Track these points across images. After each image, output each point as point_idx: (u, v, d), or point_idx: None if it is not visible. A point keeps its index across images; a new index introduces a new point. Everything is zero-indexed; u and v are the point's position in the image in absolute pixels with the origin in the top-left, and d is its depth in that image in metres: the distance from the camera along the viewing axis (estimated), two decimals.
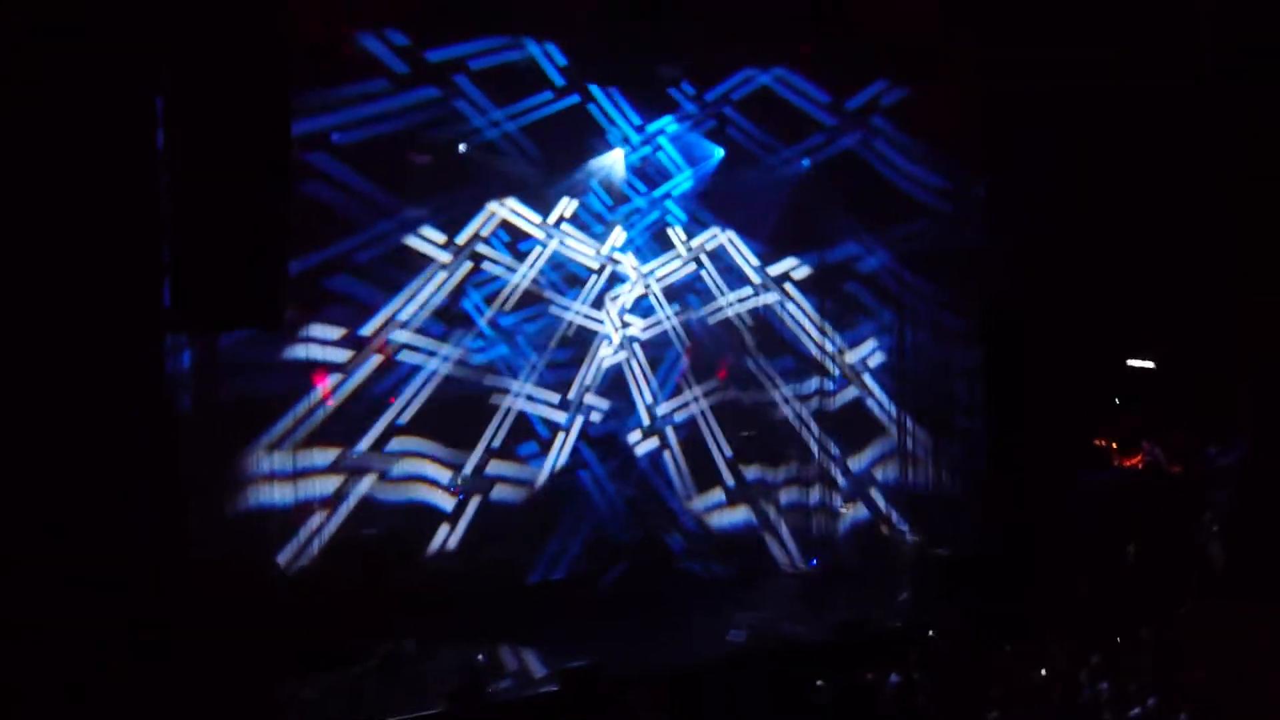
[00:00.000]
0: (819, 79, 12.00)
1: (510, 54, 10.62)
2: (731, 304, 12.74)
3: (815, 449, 12.90)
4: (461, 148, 11.00)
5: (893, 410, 13.03)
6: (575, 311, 12.00)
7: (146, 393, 8.06)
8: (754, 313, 12.88)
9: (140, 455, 7.91)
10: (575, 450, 11.92)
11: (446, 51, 10.34)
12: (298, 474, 10.02)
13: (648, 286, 12.46)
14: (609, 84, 11.42)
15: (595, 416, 12.11)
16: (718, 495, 12.57)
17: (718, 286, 12.71)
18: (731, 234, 12.71)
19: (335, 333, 10.47)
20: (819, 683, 7.92)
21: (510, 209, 11.55)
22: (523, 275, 11.62)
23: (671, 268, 12.61)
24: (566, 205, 11.86)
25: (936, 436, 12.91)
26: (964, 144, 12.36)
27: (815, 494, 12.90)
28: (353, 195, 10.30)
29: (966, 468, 12.75)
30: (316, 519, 10.08)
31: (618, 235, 12.26)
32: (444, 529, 10.98)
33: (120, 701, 7.33)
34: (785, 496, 12.83)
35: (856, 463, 13.05)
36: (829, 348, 12.99)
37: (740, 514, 12.58)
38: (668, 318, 12.53)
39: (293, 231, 8.36)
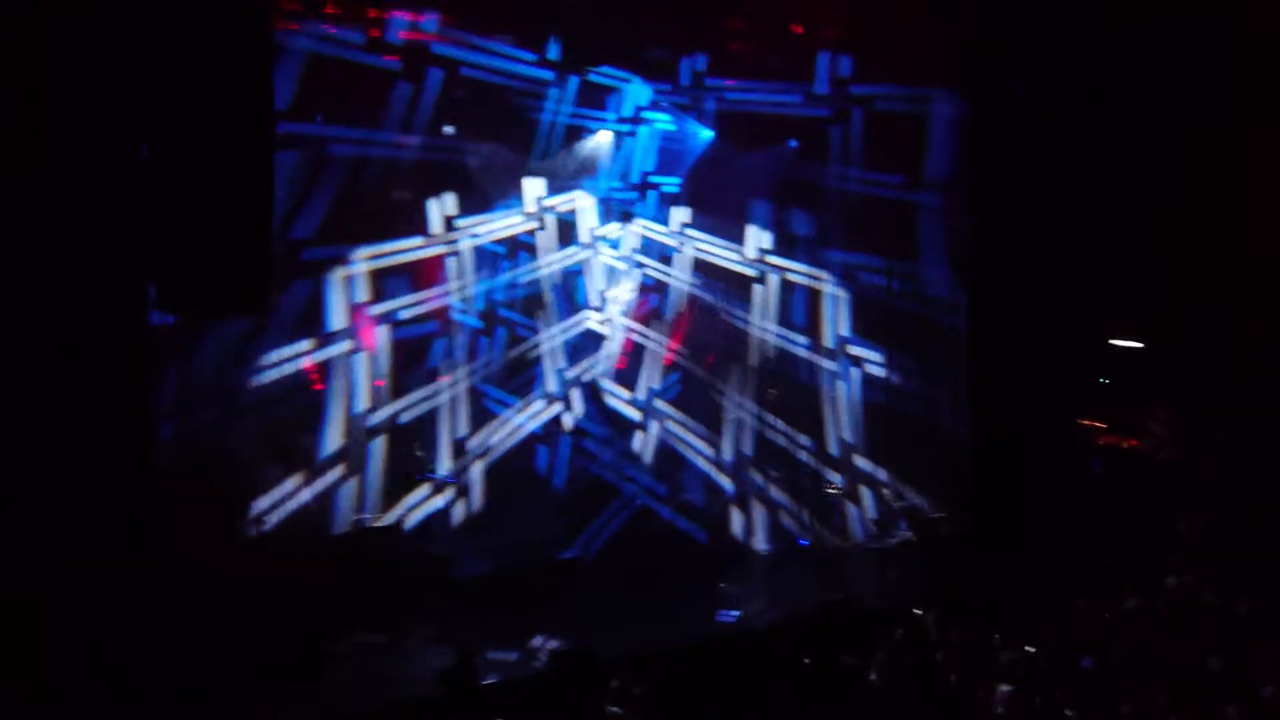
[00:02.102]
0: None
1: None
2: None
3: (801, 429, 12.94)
4: (448, 129, 10.96)
5: (879, 388, 13.10)
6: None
7: (130, 380, 8.01)
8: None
9: (124, 444, 7.87)
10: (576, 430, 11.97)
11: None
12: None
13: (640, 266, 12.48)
14: (598, 67, 11.41)
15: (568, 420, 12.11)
16: (706, 468, 12.64)
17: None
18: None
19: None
20: (806, 662, 7.98)
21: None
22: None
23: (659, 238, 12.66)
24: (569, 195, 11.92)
25: (924, 415, 12.98)
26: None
27: (804, 474, 12.96)
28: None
29: (954, 447, 12.82)
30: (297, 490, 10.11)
31: (609, 224, 12.28)
32: (430, 511, 11.00)
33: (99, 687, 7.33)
34: (777, 473, 12.89)
35: (842, 441, 13.12)
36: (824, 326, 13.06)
37: (729, 487, 12.64)
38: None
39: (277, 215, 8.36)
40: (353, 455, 10.57)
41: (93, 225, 7.67)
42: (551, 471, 11.87)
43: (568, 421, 11.98)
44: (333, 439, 10.51)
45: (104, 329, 7.75)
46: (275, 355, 10.15)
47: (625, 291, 12.42)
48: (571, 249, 12.12)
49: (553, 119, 11.48)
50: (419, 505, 10.91)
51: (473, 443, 11.34)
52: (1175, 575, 9.05)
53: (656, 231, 12.59)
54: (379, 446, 10.78)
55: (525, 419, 11.70)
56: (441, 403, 11.17)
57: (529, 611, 9.95)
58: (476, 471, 11.35)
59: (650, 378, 12.51)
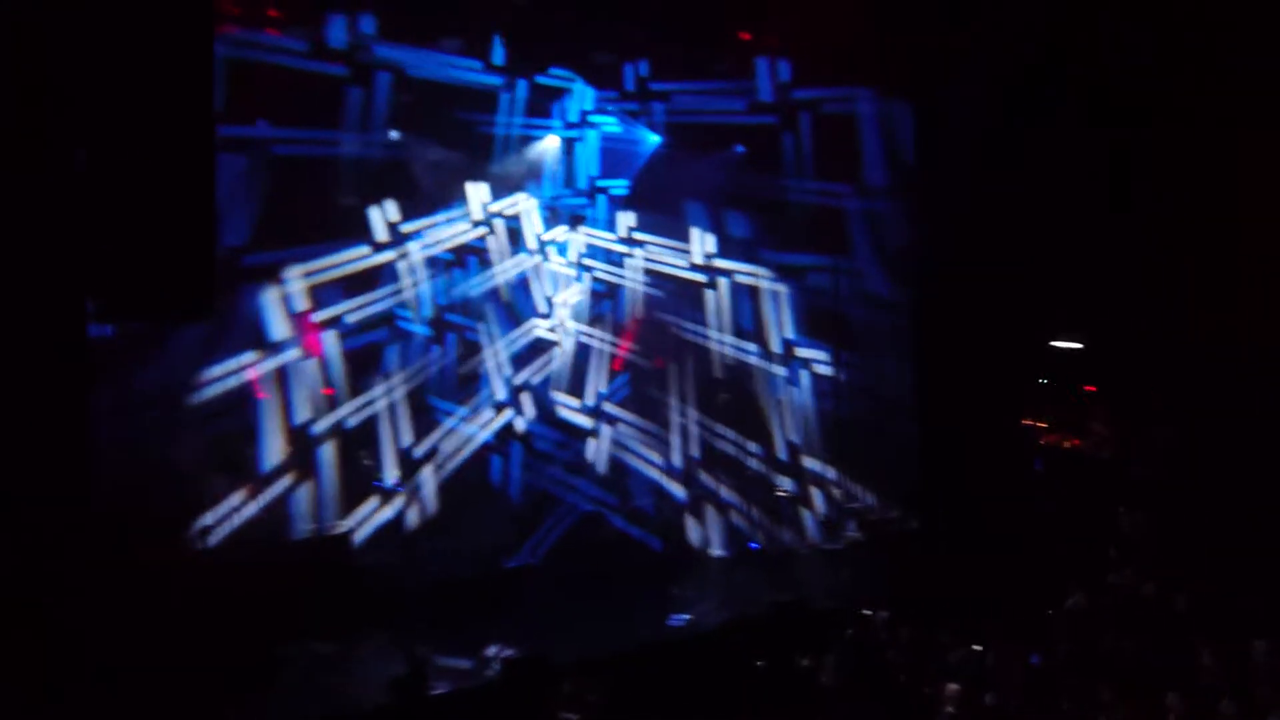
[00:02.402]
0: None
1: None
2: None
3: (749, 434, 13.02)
4: (394, 134, 10.87)
5: (830, 388, 13.22)
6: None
7: (68, 387, 7.82)
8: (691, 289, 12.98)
9: (60, 451, 7.68)
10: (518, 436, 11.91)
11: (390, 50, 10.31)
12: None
13: (587, 270, 12.47)
14: (543, 71, 11.38)
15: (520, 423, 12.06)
16: (656, 475, 12.65)
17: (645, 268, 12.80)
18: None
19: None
20: (759, 663, 8.01)
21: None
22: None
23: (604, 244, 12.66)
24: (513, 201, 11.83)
25: (873, 416, 13.11)
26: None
27: (753, 477, 13.03)
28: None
29: (900, 447, 12.96)
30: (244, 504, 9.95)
31: (556, 229, 12.24)
32: (381, 521, 10.88)
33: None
34: (727, 477, 12.93)
35: (790, 445, 13.22)
36: (770, 330, 13.14)
37: (680, 492, 12.66)
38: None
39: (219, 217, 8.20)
40: (299, 464, 10.40)
41: (29, 232, 7.49)
42: (502, 479, 11.78)
43: (518, 427, 11.90)
44: (278, 448, 10.34)
45: (42, 338, 7.57)
46: (219, 367, 9.96)
47: (573, 296, 12.39)
48: (519, 255, 12.05)
49: (501, 124, 11.41)
50: (369, 514, 10.77)
51: (420, 451, 11.22)
52: (1117, 572, 9.23)
53: (604, 237, 12.57)
54: (327, 454, 10.63)
55: (474, 427, 11.61)
56: (385, 411, 11.04)
57: (480, 619, 9.89)
58: (426, 480, 11.23)
59: (599, 383, 12.49)
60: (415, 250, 11.26)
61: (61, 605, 7.42)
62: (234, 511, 9.89)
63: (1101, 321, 12.50)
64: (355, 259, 10.88)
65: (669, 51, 11.84)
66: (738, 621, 10.09)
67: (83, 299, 7.75)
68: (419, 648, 8.90)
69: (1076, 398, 13.18)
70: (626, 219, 12.64)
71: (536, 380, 12.12)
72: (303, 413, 10.50)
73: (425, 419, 11.33)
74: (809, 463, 13.18)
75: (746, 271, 13.05)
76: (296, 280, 10.50)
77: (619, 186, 12.47)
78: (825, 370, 13.22)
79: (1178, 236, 11.59)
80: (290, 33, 9.79)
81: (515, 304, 12.03)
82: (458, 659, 9.12)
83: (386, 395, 11.07)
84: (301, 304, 10.52)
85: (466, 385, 11.68)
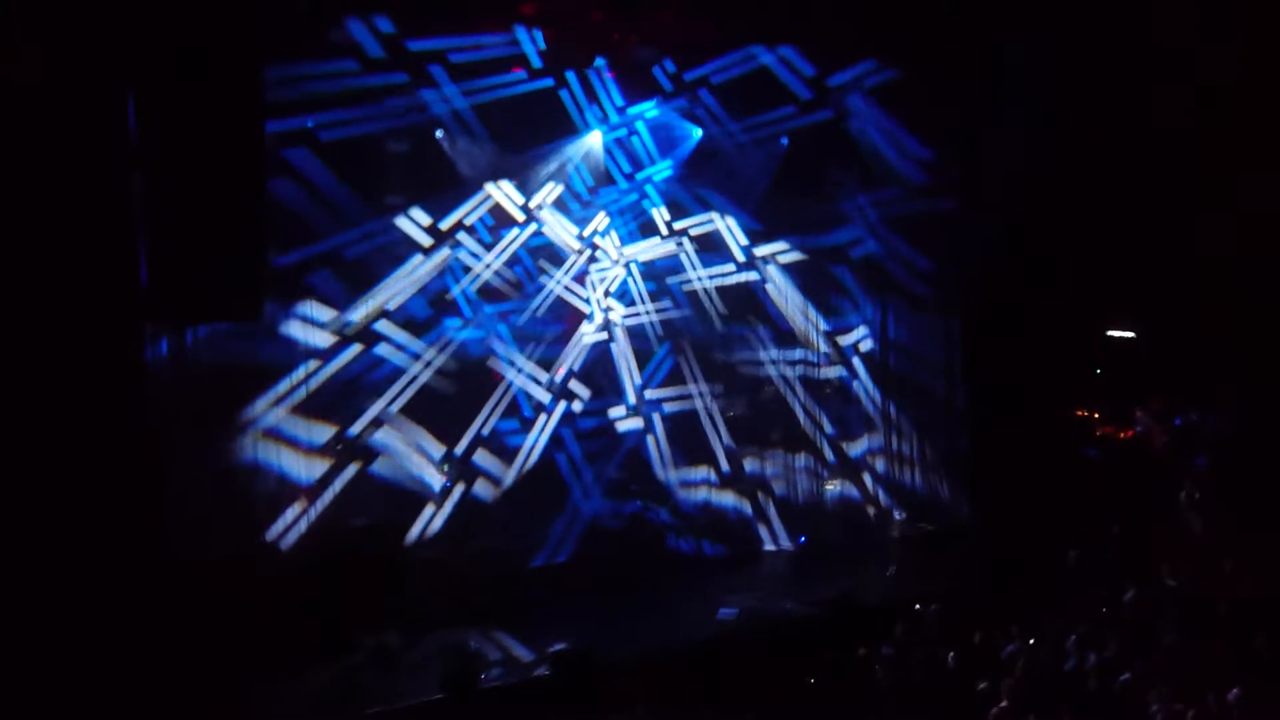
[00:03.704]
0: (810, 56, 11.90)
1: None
2: (706, 279, 12.75)
3: (804, 422, 12.92)
4: (439, 133, 10.93)
5: (875, 388, 13.10)
6: (558, 282, 11.97)
7: (124, 386, 7.98)
8: (737, 290, 12.90)
9: (120, 450, 7.84)
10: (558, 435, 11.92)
11: (428, 43, 10.26)
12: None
13: (628, 269, 12.45)
14: (586, 66, 11.36)
15: (577, 405, 12.07)
16: (705, 473, 12.61)
17: (693, 266, 12.73)
18: (716, 215, 12.70)
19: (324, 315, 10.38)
20: (807, 660, 7.96)
21: (503, 192, 11.49)
22: (496, 259, 11.56)
23: (654, 252, 12.60)
24: (550, 190, 11.82)
25: (920, 411, 12.98)
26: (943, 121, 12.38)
27: (802, 471, 12.94)
28: (330, 190, 10.19)
29: (951, 441, 12.82)
30: (300, 505, 10.05)
31: (600, 219, 12.23)
32: (430, 516, 10.94)
33: (110, 699, 7.31)
34: (771, 473, 12.85)
35: (842, 438, 13.11)
36: (814, 325, 13.05)
37: (728, 494, 12.61)
38: (647, 312, 12.54)
39: (269, 222, 8.32)
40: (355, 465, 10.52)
41: (86, 233, 7.65)
42: (550, 476, 11.81)
43: (565, 423, 11.94)
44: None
45: (98, 338, 7.73)
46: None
47: (615, 289, 12.40)
48: (568, 254, 12.08)
49: (542, 119, 11.41)
50: (420, 511, 10.87)
51: (468, 449, 11.30)
52: (1172, 567, 9.05)
53: (650, 233, 12.55)
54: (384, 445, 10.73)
55: (520, 425, 11.68)
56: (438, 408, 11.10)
57: (527, 615, 9.94)
58: (480, 476, 11.31)
59: (642, 379, 12.48)
60: (457, 249, 11.30)
61: (129, 618, 7.59)
62: (296, 518, 10.00)
63: (1158, 311, 12.27)
64: (402, 261, 10.91)
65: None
66: (786, 617, 10.07)
67: (137, 299, 7.91)
68: (469, 642, 8.99)
69: (1132, 388, 12.94)
70: (669, 215, 12.60)
71: (581, 371, 12.14)
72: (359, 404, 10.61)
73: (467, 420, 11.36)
74: (856, 454, 13.08)
75: (792, 260, 12.95)
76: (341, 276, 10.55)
77: (662, 170, 12.42)
78: (874, 360, 13.09)
79: (1233, 226, 11.34)
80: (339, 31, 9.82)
81: (560, 303, 12.06)
82: (507, 654, 9.18)
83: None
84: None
85: (514, 384, 11.73)
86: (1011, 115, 11.87)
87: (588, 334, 12.22)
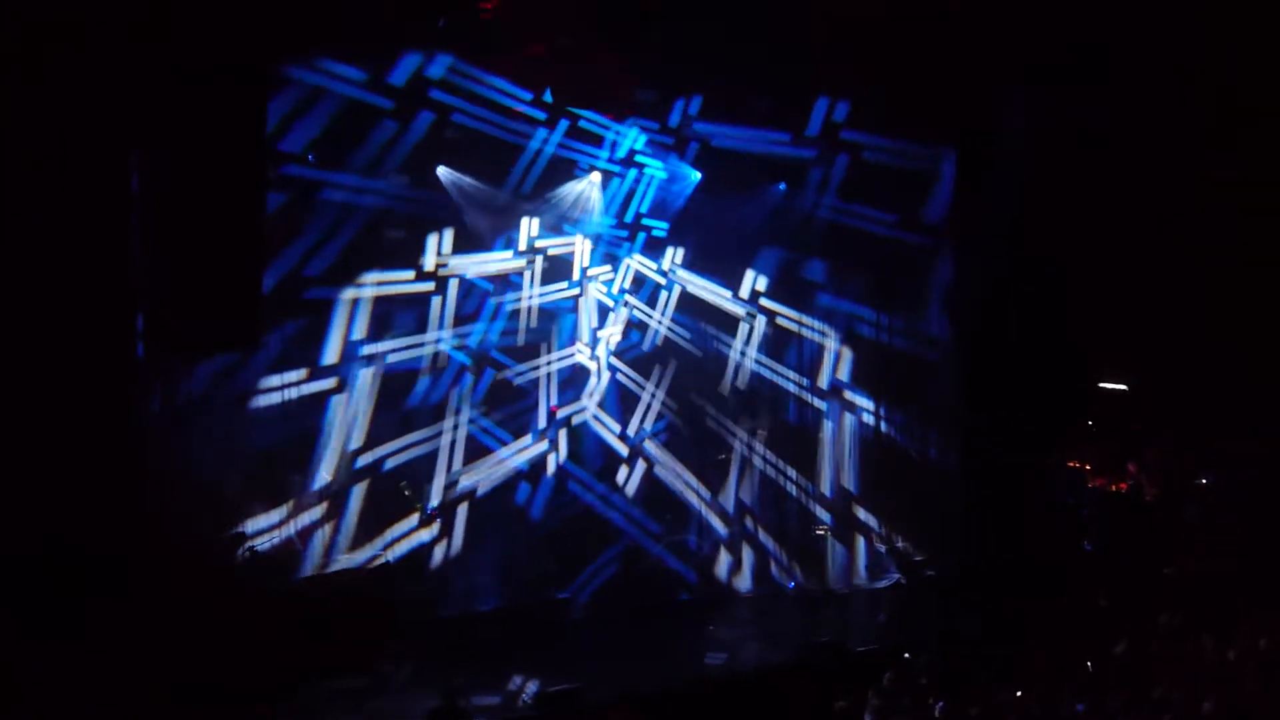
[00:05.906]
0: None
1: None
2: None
3: (791, 472, 12.91)
4: (440, 170, 11.03)
5: (870, 431, 13.10)
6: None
7: (122, 421, 7.98)
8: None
9: (116, 488, 7.83)
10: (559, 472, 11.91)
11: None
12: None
13: (627, 305, 12.51)
14: (586, 108, 11.49)
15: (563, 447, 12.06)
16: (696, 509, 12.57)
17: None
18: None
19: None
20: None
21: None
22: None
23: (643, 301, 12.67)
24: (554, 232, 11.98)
25: (913, 458, 12.97)
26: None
27: (792, 517, 12.89)
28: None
29: (944, 489, 12.80)
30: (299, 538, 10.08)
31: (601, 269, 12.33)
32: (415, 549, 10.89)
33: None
34: (763, 519, 12.80)
35: (832, 484, 13.08)
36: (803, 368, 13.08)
37: (718, 530, 12.55)
38: (659, 322, 12.57)
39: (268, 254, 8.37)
40: (338, 491, 10.49)
41: (84, 263, 7.68)
42: (537, 509, 11.76)
43: (554, 460, 11.92)
44: (321, 475, 10.44)
45: (94, 363, 7.74)
46: (264, 392, 10.10)
47: (615, 331, 12.42)
48: (562, 287, 12.13)
49: (544, 159, 11.51)
50: (403, 542, 10.80)
51: (460, 481, 11.26)
52: (1167, 616, 8.99)
53: (647, 270, 12.61)
54: (365, 484, 10.71)
55: (511, 455, 11.65)
56: (437, 442, 11.12)
57: (516, 651, 9.85)
58: (462, 510, 11.25)
59: (639, 417, 12.48)
60: (458, 283, 11.37)
61: (111, 619, 7.54)
62: (272, 531, 9.97)
63: (1151, 363, 12.31)
64: (401, 281, 11.03)
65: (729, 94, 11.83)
66: (775, 662, 9.99)
67: (133, 333, 7.94)
68: (454, 680, 8.89)
69: (1124, 440, 12.95)
70: (669, 254, 12.65)
71: (576, 414, 12.14)
72: (348, 440, 10.61)
73: (464, 450, 11.35)
74: (848, 501, 13.04)
75: (789, 316, 13.01)
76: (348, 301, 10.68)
77: (660, 226, 12.50)
78: (868, 409, 13.11)
79: (1230, 275, 11.41)
80: (353, 64, 9.91)
81: (557, 337, 12.09)
82: (492, 692, 9.09)
83: (437, 427, 11.20)
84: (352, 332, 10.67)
85: (505, 415, 11.72)
86: (1006, 162, 12.03)
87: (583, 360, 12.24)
